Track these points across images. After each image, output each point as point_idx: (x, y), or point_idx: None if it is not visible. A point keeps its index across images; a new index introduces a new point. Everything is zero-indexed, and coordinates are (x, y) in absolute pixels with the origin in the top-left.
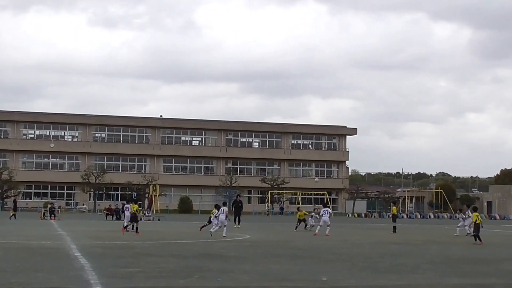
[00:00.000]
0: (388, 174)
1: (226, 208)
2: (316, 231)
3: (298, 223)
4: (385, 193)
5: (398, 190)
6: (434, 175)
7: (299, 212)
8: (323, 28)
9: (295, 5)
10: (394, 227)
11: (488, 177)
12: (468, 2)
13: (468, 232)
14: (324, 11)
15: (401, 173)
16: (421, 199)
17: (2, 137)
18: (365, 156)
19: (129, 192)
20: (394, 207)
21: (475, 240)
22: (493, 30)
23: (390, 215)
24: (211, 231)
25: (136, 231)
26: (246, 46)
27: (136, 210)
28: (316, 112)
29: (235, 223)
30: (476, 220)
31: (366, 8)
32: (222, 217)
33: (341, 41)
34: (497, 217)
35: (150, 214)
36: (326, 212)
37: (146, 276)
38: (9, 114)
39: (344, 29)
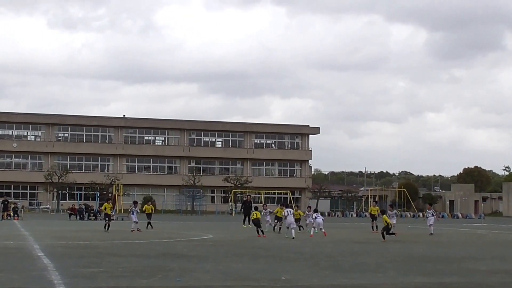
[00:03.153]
0: (351, 173)
1: (292, 210)
2: (312, 233)
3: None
4: (348, 192)
5: (361, 189)
6: (396, 174)
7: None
8: (282, 29)
9: (253, 7)
10: (376, 226)
11: (452, 176)
12: (421, 4)
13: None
14: (283, 12)
15: (363, 172)
16: (384, 198)
17: None
18: (327, 155)
19: (92, 192)
20: (375, 208)
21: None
22: (447, 32)
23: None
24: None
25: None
26: (206, 47)
27: (104, 208)
28: (276, 111)
29: (244, 223)
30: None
31: (323, 10)
32: (290, 218)
33: (299, 42)
34: (460, 215)
35: (113, 214)
36: (319, 215)
37: (108, 276)
38: None
39: (302, 30)
